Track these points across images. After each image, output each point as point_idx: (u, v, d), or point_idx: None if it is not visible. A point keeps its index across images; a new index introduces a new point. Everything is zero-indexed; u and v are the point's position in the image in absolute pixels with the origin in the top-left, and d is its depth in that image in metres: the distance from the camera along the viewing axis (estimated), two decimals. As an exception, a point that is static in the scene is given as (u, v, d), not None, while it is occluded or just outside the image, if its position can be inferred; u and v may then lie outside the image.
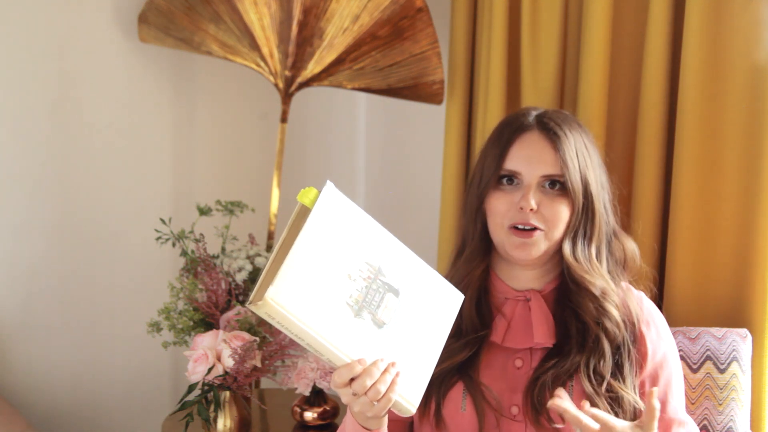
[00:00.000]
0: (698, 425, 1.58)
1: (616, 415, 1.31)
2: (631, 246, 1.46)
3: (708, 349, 1.60)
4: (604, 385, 1.32)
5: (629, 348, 1.36)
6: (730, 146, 1.71)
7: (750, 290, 1.67)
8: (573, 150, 1.37)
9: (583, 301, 1.36)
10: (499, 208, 1.37)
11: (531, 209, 1.33)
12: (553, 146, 1.36)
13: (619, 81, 1.90)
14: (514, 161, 1.37)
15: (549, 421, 1.32)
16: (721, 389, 1.59)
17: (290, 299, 1.10)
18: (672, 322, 1.69)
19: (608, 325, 1.35)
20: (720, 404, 1.58)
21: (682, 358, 1.59)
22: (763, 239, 1.65)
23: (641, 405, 1.33)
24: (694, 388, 1.59)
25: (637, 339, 1.38)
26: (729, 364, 1.59)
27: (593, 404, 1.30)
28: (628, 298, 1.41)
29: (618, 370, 1.35)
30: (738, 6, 1.68)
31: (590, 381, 1.32)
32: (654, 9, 1.77)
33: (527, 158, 1.36)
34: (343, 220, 1.17)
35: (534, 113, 1.41)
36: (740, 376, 1.60)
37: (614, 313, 1.36)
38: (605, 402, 1.32)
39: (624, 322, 1.37)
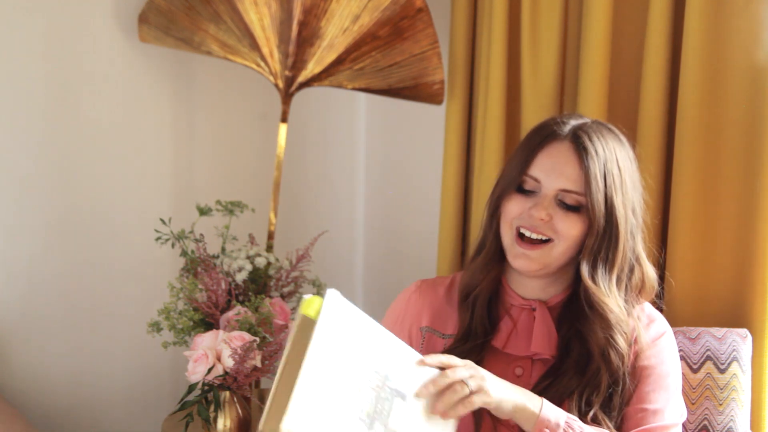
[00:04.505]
0: (698, 425, 1.58)
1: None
2: (651, 275, 1.41)
3: (708, 349, 1.60)
4: (590, 415, 1.31)
5: (626, 382, 1.34)
6: (730, 146, 1.71)
7: (750, 290, 1.67)
8: (601, 169, 1.31)
9: (593, 327, 1.33)
10: (512, 211, 1.34)
11: (541, 219, 1.31)
12: (579, 161, 1.31)
13: (619, 81, 1.90)
14: (537, 168, 1.33)
15: None
16: (721, 389, 1.59)
17: (305, 428, 1.04)
18: (672, 322, 1.69)
19: (613, 357, 1.32)
20: (720, 404, 1.58)
21: (682, 358, 1.59)
22: (763, 239, 1.65)
23: None
24: (694, 388, 1.59)
25: (636, 369, 1.36)
26: (729, 364, 1.59)
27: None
28: (639, 327, 1.38)
29: (608, 402, 1.33)
30: (738, 6, 1.68)
31: (579, 411, 1.31)
32: (654, 9, 1.77)
33: (550, 168, 1.32)
34: (348, 330, 1.11)
35: (573, 123, 1.36)
36: (740, 376, 1.60)
37: (622, 345, 1.33)
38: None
39: (628, 354, 1.34)
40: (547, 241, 1.33)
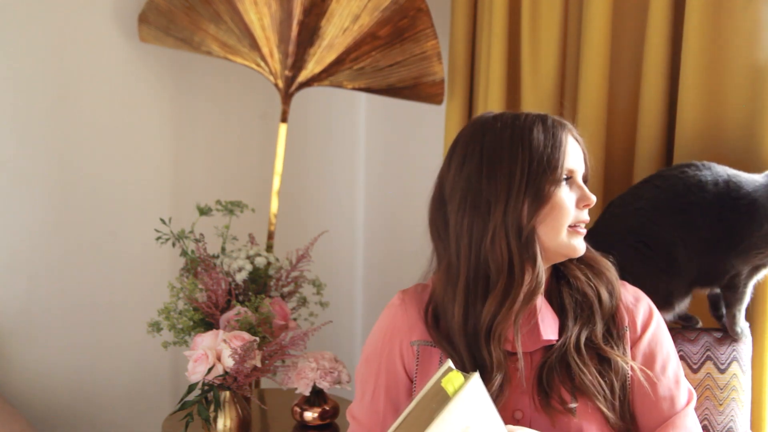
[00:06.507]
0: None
1: (609, 385, 1.32)
2: None
3: (708, 350, 1.60)
4: (594, 351, 1.34)
5: (619, 321, 1.38)
6: (729, 146, 1.71)
7: (750, 290, 1.67)
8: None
9: (581, 270, 1.39)
10: (570, 206, 1.32)
11: (593, 203, 1.34)
12: (578, 144, 1.37)
13: (619, 81, 1.90)
14: (571, 159, 1.34)
15: (561, 403, 1.31)
16: (721, 389, 1.59)
17: None
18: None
19: (602, 291, 1.37)
20: (720, 404, 1.58)
21: (682, 358, 1.59)
22: (763, 239, 1.65)
23: (636, 368, 1.34)
24: (694, 389, 1.59)
25: (624, 317, 1.39)
26: (729, 364, 1.59)
27: (580, 378, 1.31)
28: (626, 299, 1.42)
29: (609, 336, 1.36)
30: (738, 6, 1.68)
31: (579, 352, 1.33)
32: (654, 9, 1.78)
33: (577, 156, 1.35)
34: (474, 416, 1.15)
35: (551, 116, 1.39)
36: (740, 376, 1.60)
37: (608, 274, 1.39)
38: (594, 372, 1.32)
39: (612, 294, 1.39)
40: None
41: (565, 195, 1.31)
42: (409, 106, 2.27)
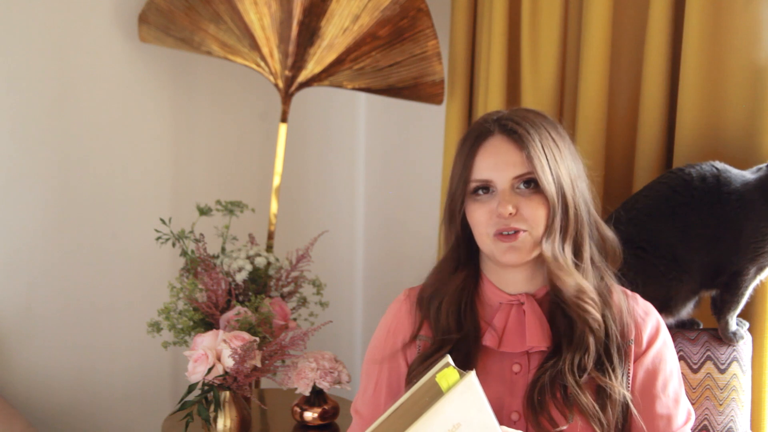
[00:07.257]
0: (698, 425, 1.58)
1: (604, 408, 1.32)
2: (611, 236, 1.43)
3: (708, 350, 1.60)
4: (585, 376, 1.32)
5: (618, 341, 1.35)
6: (729, 146, 1.71)
7: (750, 290, 1.67)
8: (538, 146, 1.33)
9: (565, 298, 1.36)
10: (480, 219, 1.35)
11: (510, 214, 1.32)
12: (517, 146, 1.33)
13: (619, 81, 1.90)
14: (483, 170, 1.35)
15: (550, 422, 1.31)
16: (721, 389, 1.59)
17: None
18: (672, 322, 1.69)
19: (589, 320, 1.34)
20: (720, 404, 1.58)
21: (682, 358, 1.59)
22: (763, 239, 1.65)
23: (629, 397, 1.34)
24: (694, 389, 1.59)
25: (632, 331, 1.37)
26: (729, 364, 1.59)
27: (577, 400, 1.30)
28: (621, 297, 1.40)
29: (607, 361, 1.34)
30: (738, 6, 1.68)
31: (573, 376, 1.32)
32: (654, 9, 1.78)
33: (495, 164, 1.34)
34: (465, 415, 1.14)
35: (494, 117, 1.39)
36: (740, 376, 1.60)
37: (591, 310, 1.35)
38: (590, 397, 1.32)
39: (606, 316, 1.36)
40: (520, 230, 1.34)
41: (474, 208, 1.36)
42: (409, 106, 2.27)
